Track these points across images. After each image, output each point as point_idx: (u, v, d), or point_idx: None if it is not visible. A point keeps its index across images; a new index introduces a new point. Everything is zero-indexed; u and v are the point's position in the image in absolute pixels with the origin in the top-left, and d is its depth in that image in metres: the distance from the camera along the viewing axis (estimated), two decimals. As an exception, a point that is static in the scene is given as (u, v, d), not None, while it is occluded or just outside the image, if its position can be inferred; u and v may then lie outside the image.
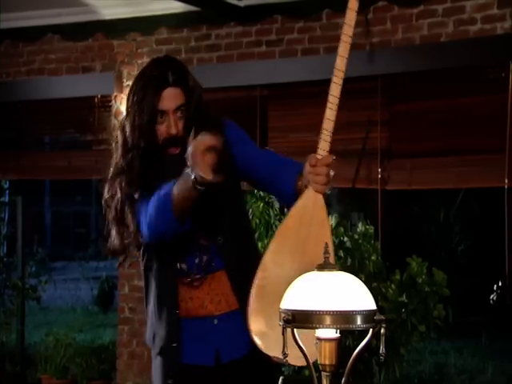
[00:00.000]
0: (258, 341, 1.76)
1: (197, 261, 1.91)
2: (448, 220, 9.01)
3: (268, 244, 1.83)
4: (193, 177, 1.72)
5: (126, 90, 5.13)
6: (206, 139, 1.70)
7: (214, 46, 4.81)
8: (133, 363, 5.09)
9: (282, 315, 1.51)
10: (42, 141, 5.95)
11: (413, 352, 5.05)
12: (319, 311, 1.48)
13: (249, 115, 4.60)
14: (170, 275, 1.93)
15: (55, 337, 5.54)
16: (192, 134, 1.76)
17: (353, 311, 1.49)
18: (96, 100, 5.25)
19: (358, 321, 1.49)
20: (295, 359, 1.64)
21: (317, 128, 5.72)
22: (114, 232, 1.94)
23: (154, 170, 1.88)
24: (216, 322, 1.92)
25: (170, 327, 1.93)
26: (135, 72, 5.12)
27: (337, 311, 1.48)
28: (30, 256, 9.96)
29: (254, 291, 1.77)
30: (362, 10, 4.55)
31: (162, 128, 1.90)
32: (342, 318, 1.48)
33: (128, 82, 5.13)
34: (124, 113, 5.61)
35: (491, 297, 7.35)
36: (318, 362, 1.55)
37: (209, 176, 1.69)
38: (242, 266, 1.88)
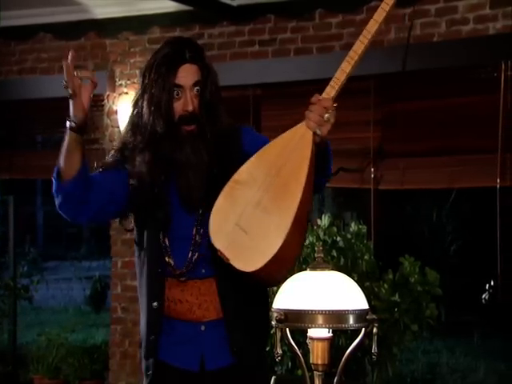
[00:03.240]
0: (211, 233, 1.80)
1: (189, 255, 1.91)
2: (440, 220, 9.02)
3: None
4: (68, 122, 1.83)
5: (119, 90, 5.12)
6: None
7: (207, 45, 4.80)
8: (125, 363, 5.08)
9: (275, 315, 1.51)
10: (35, 140, 5.93)
11: (405, 351, 5.05)
12: (311, 311, 1.48)
13: (242, 115, 4.59)
14: (154, 267, 1.92)
15: (47, 337, 5.53)
16: None
17: (345, 311, 1.49)
18: (88, 99, 5.23)
19: (351, 320, 1.49)
20: (239, 262, 1.72)
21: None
22: None
23: (169, 147, 1.89)
24: (203, 328, 1.91)
25: (148, 320, 1.92)
26: (128, 71, 5.11)
27: (329, 311, 1.48)
28: (22, 256, 9.93)
29: (224, 189, 1.82)
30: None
31: (178, 105, 1.89)
32: (335, 317, 1.48)
33: (121, 82, 5.12)
34: (116, 109, 5.55)
35: (483, 296, 7.37)
36: (311, 361, 1.54)
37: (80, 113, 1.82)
38: (232, 277, 1.84)
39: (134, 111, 1.96)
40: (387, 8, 1.78)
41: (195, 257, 1.90)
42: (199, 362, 1.91)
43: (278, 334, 1.49)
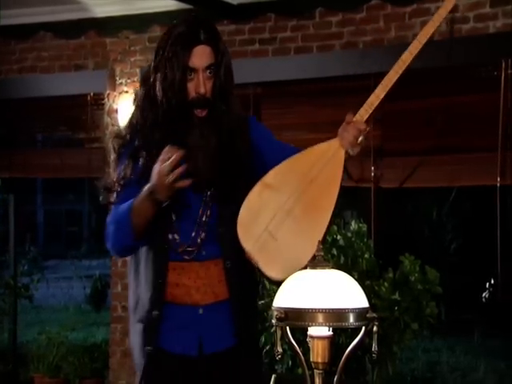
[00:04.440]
0: (239, 229, 1.81)
1: (193, 234, 1.90)
2: (440, 218, 9.03)
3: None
4: (154, 195, 1.79)
5: (119, 88, 5.12)
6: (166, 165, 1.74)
7: (207, 44, 4.80)
8: (125, 362, 5.08)
9: (275, 313, 1.51)
10: (35, 139, 5.94)
11: (405, 350, 5.05)
12: (312, 309, 1.48)
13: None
14: (159, 242, 1.91)
15: (48, 335, 5.53)
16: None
17: (345, 309, 1.49)
18: (89, 98, 5.24)
19: (351, 319, 1.49)
20: (268, 268, 1.74)
21: (310, 126, 5.69)
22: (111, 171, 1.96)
23: (180, 129, 1.89)
24: (201, 311, 1.91)
25: (153, 294, 1.91)
26: (128, 70, 5.11)
27: (329, 309, 1.48)
28: (23, 255, 9.94)
29: (254, 188, 1.83)
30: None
31: (191, 86, 1.88)
32: (335, 315, 1.48)
33: (121, 80, 5.12)
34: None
35: (483, 295, 7.37)
36: (311, 359, 1.54)
37: (168, 193, 1.78)
38: (240, 258, 1.85)
39: (145, 87, 1.94)
40: (424, 40, 1.83)
41: (201, 237, 1.90)
42: (197, 346, 1.91)
43: (279, 333, 1.50)
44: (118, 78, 5.12)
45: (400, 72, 1.86)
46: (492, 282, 7.17)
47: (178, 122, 1.89)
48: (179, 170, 1.74)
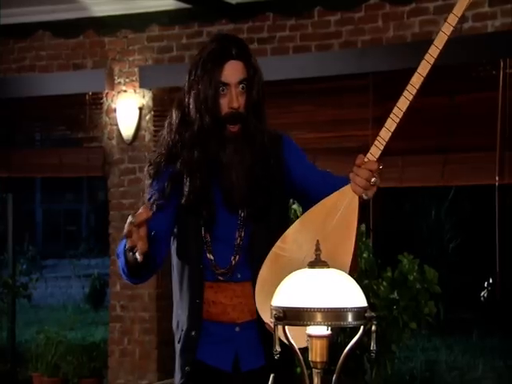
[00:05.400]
0: (257, 304, 1.79)
1: (230, 257, 1.90)
2: (439, 217, 9.04)
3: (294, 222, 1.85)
4: (129, 251, 1.76)
5: (118, 88, 5.12)
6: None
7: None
8: (124, 361, 5.08)
9: (273, 312, 1.51)
10: (33, 138, 5.93)
11: (404, 349, 5.06)
12: (310, 308, 1.48)
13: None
14: (196, 263, 1.91)
15: (46, 335, 5.53)
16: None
17: (344, 308, 1.48)
18: (87, 97, 5.24)
19: (349, 318, 1.49)
20: (293, 338, 1.64)
21: (309, 125, 5.68)
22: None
23: (214, 146, 1.88)
24: (238, 329, 1.91)
25: (190, 313, 1.91)
26: (126, 69, 5.11)
27: (328, 308, 1.48)
28: (21, 254, 9.97)
29: (268, 257, 1.80)
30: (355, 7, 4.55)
31: (224, 102, 1.87)
32: (333, 315, 1.48)
33: (119, 80, 5.12)
34: (112, 109, 5.52)
35: (482, 294, 7.39)
36: (309, 359, 1.55)
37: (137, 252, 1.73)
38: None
39: (180, 110, 1.93)
40: (432, 61, 1.74)
41: (236, 259, 1.90)
42: (232, 362, 1.91)
43: (277, 332, 1.50)
44: (116, 78, 5.12)
45: (410, 98, 1.77)
46: (490, 281, 7.18)
47: (212, 139, 1.87)
48: (129, 244, 1.71)
